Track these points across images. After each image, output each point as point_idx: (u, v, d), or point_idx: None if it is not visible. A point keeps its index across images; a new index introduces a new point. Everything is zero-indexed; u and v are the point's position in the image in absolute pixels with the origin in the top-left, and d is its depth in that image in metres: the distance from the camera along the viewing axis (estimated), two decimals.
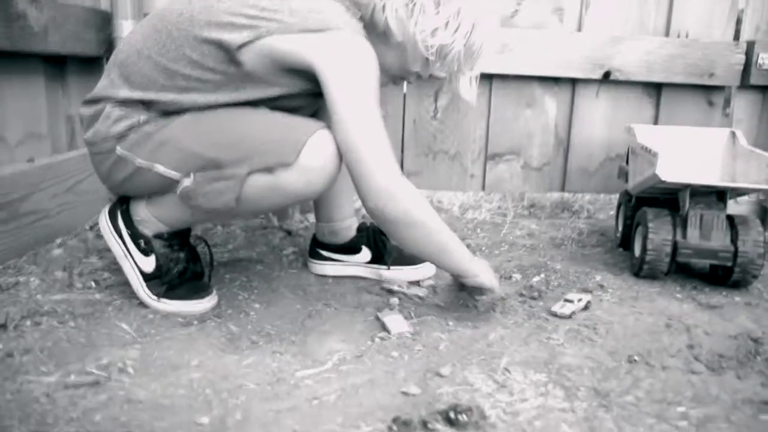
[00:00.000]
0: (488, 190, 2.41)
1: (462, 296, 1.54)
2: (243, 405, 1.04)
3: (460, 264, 1.43)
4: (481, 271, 1.43)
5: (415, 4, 1.32)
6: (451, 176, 2.39)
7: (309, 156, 1.24)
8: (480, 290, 1.45)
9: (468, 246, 1.98)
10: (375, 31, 1.35)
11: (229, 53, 1.26)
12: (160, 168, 1.31)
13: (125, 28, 2.03)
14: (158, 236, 1.43)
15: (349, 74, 1.27)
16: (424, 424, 0.97)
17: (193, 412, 1.02)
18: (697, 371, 1.24)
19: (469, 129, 2.36)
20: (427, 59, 1.37)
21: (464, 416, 0.98)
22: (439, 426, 0.97)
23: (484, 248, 2.00)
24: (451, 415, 0.98)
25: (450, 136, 2.35)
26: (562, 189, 2.43)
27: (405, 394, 1.10)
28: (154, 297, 1.41)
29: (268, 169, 1.24)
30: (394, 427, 0.97)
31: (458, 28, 1.33)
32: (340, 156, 1.28)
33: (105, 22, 2.03)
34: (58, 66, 1.89)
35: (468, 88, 1.49)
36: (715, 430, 1.00)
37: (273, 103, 1.35)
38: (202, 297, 1.43)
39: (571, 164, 2.41)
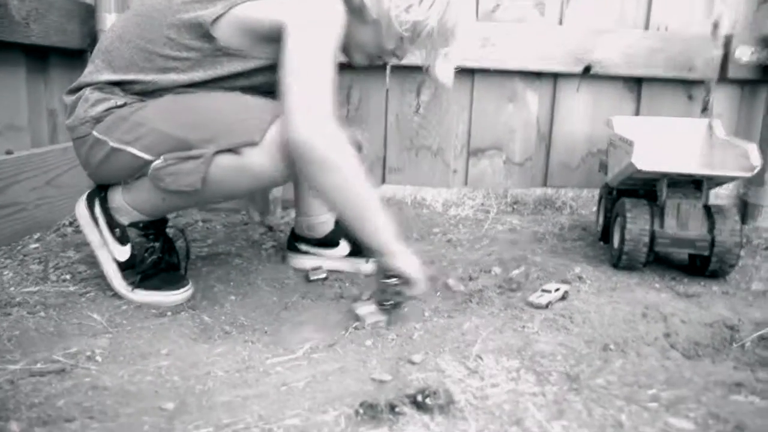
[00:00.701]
0: (471, 186, 2.40)
1: (379, 289, 1.40)
2: (210, 391, 1.03)
3: (376, 235, 1.32)
4: (402, 256, 1.34)
5: None
6: (434, 172, 2.38)
7: (275, 135, 1.24)
8: (398, 284, 1.35)
9: (449, 241, 2.00)
10: (351, 6, 1.33)
11: (203, 29, 1.28)
12: (133, 150, 1.31)
13: (109, 20, 2.04)
14: (134, 225, 1.43)
15: (309, 26, 1.26)
16: (392, 407, 0.96)
17: (158, 398, 1.01)
18: (672, 358, 1.24)
19: (452, 124, 2.36)
20: (401, 36, 1.38)
21: (431, 399, 0.97)
22: (406, 409, 0.96)
23: (465, 243, 1.99)
24: (419, 398, 0.97)
25: (432, 132, 2.35)
26: (545, 184, 2.42)
27: (375, 380, 1.09)
28: (129, 287, 1.40)
29: (235, 150, 1.24)
30: (361, 411, 0.96)
31: (432, 4, 1.33)
32: None
33: (89, 14, 2.03)
34: (41, 58, 1.89)
35: (444, 71, 1.48)
36: (684, 410, 0.99)
37: (252, 79, 1.36)
38: (177, 288, 1.42)
39: (553, 159, 2.41)
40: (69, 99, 1.40)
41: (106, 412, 0.96)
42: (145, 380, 1.06)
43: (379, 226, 1.31)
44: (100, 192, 1.46)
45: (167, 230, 1.51)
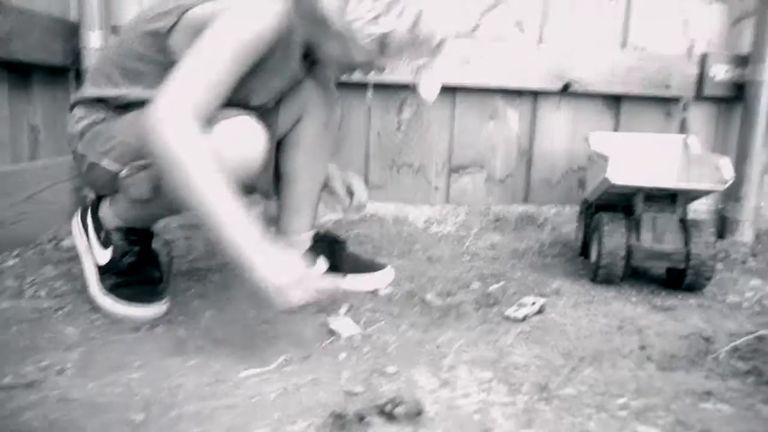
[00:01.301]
0: (452, 203, 2.41)
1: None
2: (180, 403, 1.03)
3: (229, 243, 1.15)
4: (263, 267, 1.15)
5: None
6: (416, 189, 2.40)
7: (220, 137, 1.20)
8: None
9: (429, 257, 2.00)
10: (313, 18, 1.28)
11: (161, 40, 1.30)
12: (105, 162, 1.34)
13: (92, 38, 2.05)
14: (118, 229, 1.45)
15: (224, 21, 1.22)
16: (360, 418, 0.96)
17: (127, 409, 1.00)
18: (646, 369, 1.24)
19: (433, 141, 2.38)
20: (370, 49, 1.29)
21: (400, 409, 0.97)
22: (375, 419, 0.96)
23: (445, 259, 2.00)
24: (387, 408, 0.97)
25: (414, 149, 2.36)
26: (526, 201, 2.44)
27: (347, 392, 1.09)
28: (102, 290, 1.42)
29: None
30: (330, 421, 0.96)
31: (401, 14, 1.24)
32: (262, 141, 1.27)
33: (72, 32, 2.05)
34: (23, 75, 1.89)
35: (427, 87, 1.42)
36: (653, 417, 1.00)
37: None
38: (151, 302, 1.42)
39: (534, 176, 2.43)
40: (68, 116, 1.46)
41: (73, 423, 0.95)
42: (114, 392, 1.06)
43: (233, 234, 1.15)
44: (95, 202, 1.51)
45: (153, 245, 1.53)
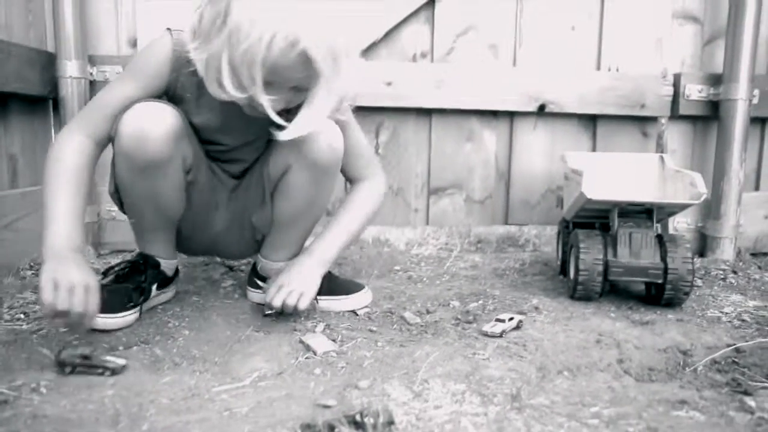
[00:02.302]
0: (432, 224, 2.43)
1: None
2: (151, 417, 1.03)
3: (44, 231, 1.32)
4: (49, 271, 1.22)
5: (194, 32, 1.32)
6: (396, 212, 2.41)
7: (122, 119, 1.37)
8: None
9: (409, 277, 2.01)
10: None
11: None
12: (106, 187, 1.59)
13: (69, 68, 2.07)
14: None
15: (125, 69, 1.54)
16: (331, 428, 0.96)
17: (98, 424, 1.00)
18: (622, 381, 1.25)
19: (411, 164, 2.40)
20: (216, 81, 1.30)
21: (371, 419, 0.97)
22: (345, 429, 0.96)
23: (425, 279, 2.01)
24: (357, 418, 0.97)
25: (392, 172, 2.38)
26: (506, 221, 2.46)
27: (321, 406, 1.08)
28: None
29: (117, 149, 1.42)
30: (298, 430, 0.96)
31: (228, 39, 1.24)
32: (161, 118, 1.38)
33: (50, 62, 2.06)
34: (0, 104, 1.90)
35: (303, 120, 1.35)
36: (624, 425, 1.00)
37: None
38: (118, 312, 1.45)
39: (513, 196, 2.45)
40: None
41: None
42: (87, 409, 1.05)
43: (48, 233, 1.31)
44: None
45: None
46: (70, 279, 1.21)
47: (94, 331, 1.40)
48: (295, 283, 1.52)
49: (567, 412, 1.05)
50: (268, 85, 1.27)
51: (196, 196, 1.57)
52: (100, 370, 1.20)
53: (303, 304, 1.49)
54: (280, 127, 1.33)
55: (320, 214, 1.67)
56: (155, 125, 1.37)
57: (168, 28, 1.44)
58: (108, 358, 1.25)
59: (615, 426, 1.01)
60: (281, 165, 1.56)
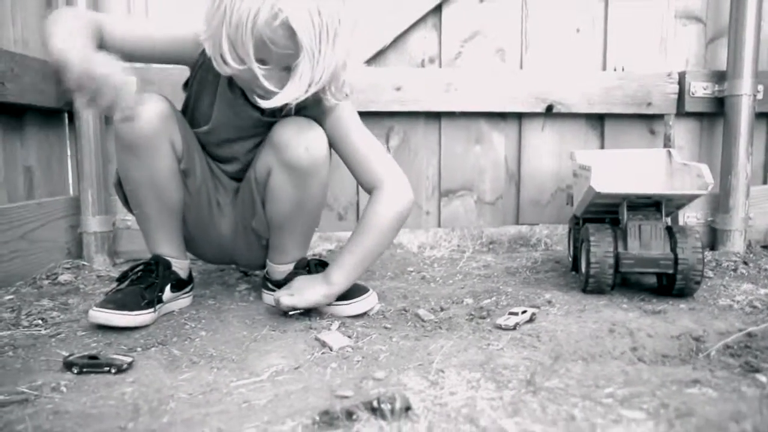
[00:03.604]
0: (444, 226, 2.44)
1: None
2: (171, 410, 1.04)
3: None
4: (58, 38, 1.25)
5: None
6: None
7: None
8: None
9: (423, 278, 2.03)
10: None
11: None
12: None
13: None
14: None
15: None
16: (349, 414, 0.97)
17: (119, 418, 1.01)
18: (636, 366, 1.25)
19: (422, 167, 2.42)
20: (223, 58, 1.38)
21: (388, 405, 0.98)
22: (363, 414, 0.97)
23: (438, 279, 2.02)
24: (375, 404, 0.98)
25: None
26: (517, 222, 2.47)
27: (338, 396, 1.09)
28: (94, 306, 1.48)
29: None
30: (317, 417, 0.97)
31: (224, 15, 1.34)
32: (154, 107, 1.48)
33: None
34: (17, 117, 1.95)
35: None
36: (638, 403, 1.01)
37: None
38: (132, 310, 1.47)
39: (524, 197, 2.46)
40: None
41: None
42: (107, 404, 1.07)
43: (57, 29, 1.30)
44: None
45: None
46: (105, 58, 1.25)
47: (111, 330, 1.43)
48: (294, 288, 1.59)
49: (581, 393, 1.06)
50: (261, 62, 1.35)
51: (195, 192, 1.61)
52: (107, 368, 1.22)
53: (289, 302, 1.55)
54: (265, 96, 1.40)
55: (314, 214, 1.68)
56: (144, 107, 1.46)
57: None
58: (115, 356, 1.27)
59: (629, 403, 1.01)
60: (264, 168, 1.59)
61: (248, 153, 1.64)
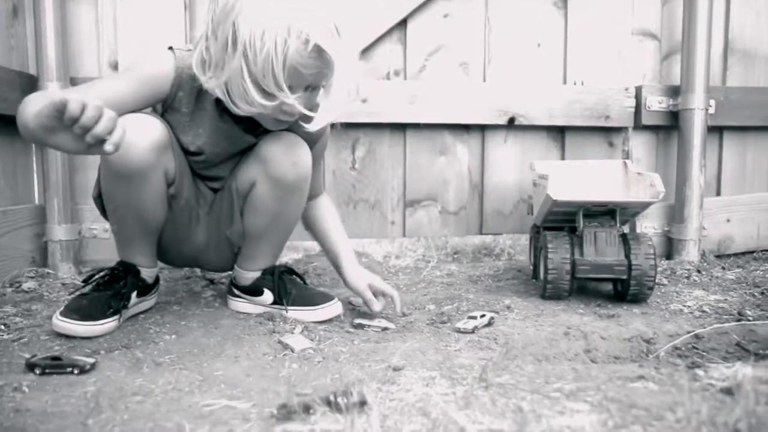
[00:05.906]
0: (409, 236, 2.49)
1: None
2: (132, 407, 1.06)
3: None
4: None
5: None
6: (373, 224, 2.47)
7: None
8: None
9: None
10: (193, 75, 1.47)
11: None
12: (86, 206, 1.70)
13: (51, 89, 2.10)
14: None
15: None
16: (306, 408, 1.01)
17: (80, 415, 1.03)
18: (587, 365, 1.30)
19: (387, 178, 2.47)
20: (246, 99, 1.38)
21: (344, 399, 1.01)
22: (320, 408, 1.00)
23: (402, 287, 2.06)
24: (331, 398, 1.02)
25: (369, 186, 2.45)
26: (480, 231, 2.52)
27: (297, 394, 1.13)
28: (57, 314, 1.48)
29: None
30: (275, 411, 1.00)
31: (244, 57, 1.33)
32: (150, 136, 1.44)
33: (31, 84, 2.10)
34: None
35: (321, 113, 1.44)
36: (583, 396, 1.05)
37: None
38: (98, 320, 1.48)
39: (487, 207, 2.52)
40: None
41: (26, 429, 0.98)
42: (69, 402, 1.09)
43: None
44: None
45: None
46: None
47: (74, 338, 1.44)
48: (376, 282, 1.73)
49: (531, 388, 1.10)
50: (289, 88, 1.35)
51: (178, 210, 1.61)
52: (69, 369, 1.23)
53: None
54: (307, 120, 1.42)
55: (290, 227, 1.71)
56: (139, 137, 1.41)
57: (170, 47, 1.50)
58: (77, 357, 1.28)
59: (575, 397, 1.06)
60: (247, 180, 1.61)
61: (233, 169, 1.66)
